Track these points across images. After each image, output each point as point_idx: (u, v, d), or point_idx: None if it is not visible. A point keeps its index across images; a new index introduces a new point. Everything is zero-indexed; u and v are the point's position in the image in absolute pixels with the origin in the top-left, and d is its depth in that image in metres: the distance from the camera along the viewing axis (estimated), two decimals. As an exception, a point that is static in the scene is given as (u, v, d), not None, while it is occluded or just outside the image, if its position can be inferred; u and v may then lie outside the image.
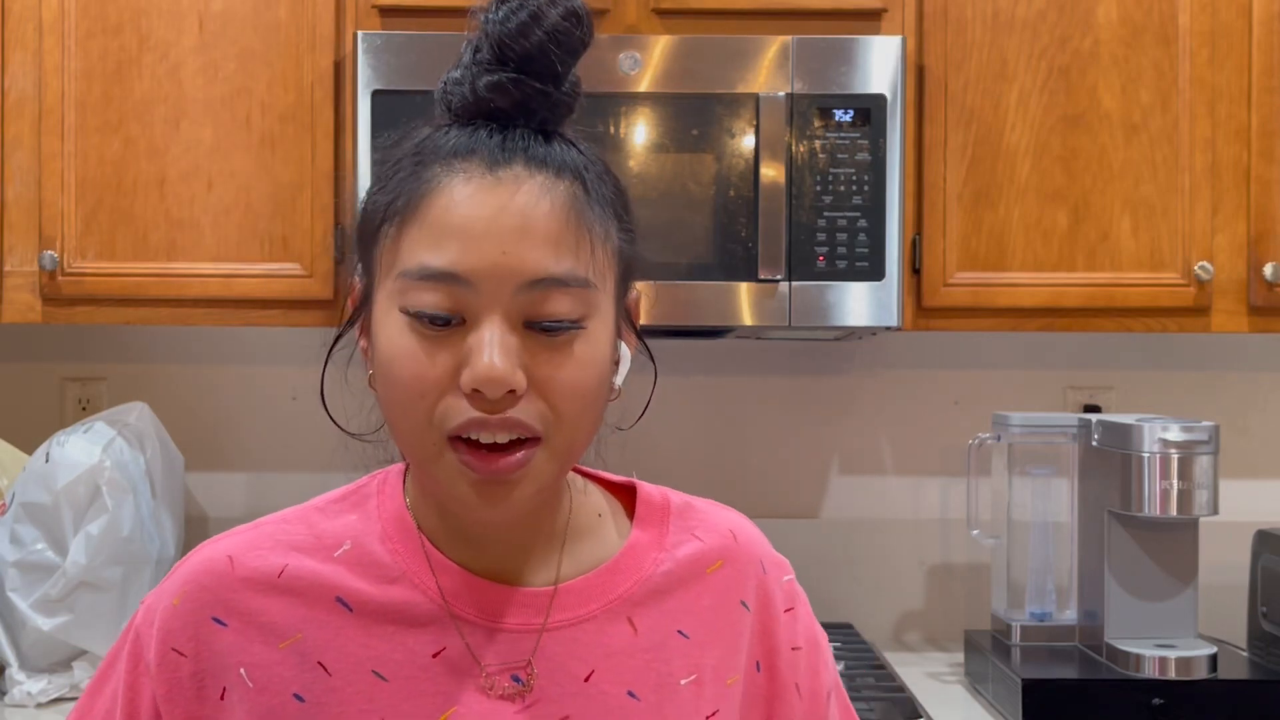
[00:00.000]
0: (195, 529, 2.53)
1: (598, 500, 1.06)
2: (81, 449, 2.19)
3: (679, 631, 1.01)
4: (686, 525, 1.05)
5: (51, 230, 2.24)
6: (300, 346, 2.57)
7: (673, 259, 2.18)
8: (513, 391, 0.89)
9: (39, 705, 2.12)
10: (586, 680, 0.97)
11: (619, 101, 2.18)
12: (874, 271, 2.19)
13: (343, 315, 1.02)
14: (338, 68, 2.25)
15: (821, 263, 2.18)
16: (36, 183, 2.24)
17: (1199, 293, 2.27)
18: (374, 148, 2.16)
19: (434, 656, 0.95)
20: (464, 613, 0.97)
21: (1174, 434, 2.11)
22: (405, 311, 0.91)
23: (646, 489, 1.07)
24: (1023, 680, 2.07)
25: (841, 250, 2.18)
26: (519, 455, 0.90)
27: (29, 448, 2.31)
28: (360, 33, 2.19)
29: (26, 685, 2.12)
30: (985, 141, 2.27)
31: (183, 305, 2.25)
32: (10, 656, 2.15)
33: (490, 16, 0.93)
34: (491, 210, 0.90)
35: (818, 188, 2.18)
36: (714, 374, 2.63)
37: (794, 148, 2.18)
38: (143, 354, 2.61)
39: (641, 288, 1.03)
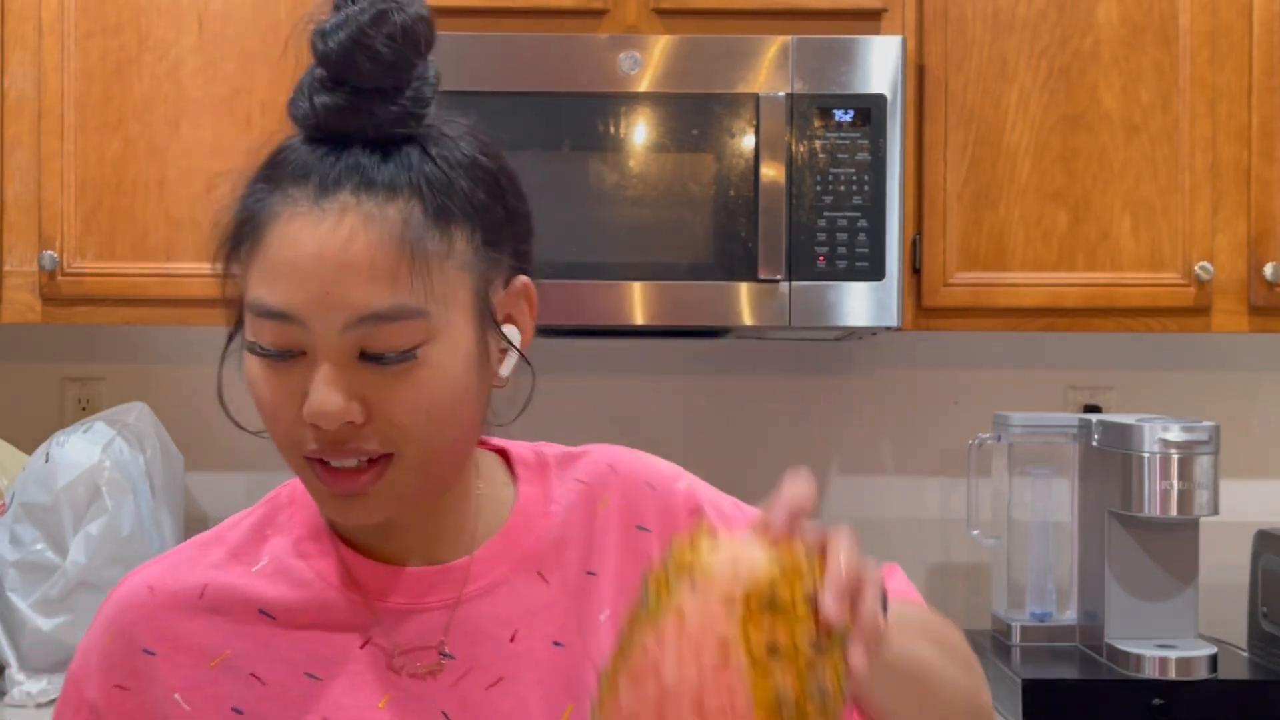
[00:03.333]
0: (195, 529, 2.53)
1: (497, 467, 1.07)
2: (81, 449, 2.19)
3: (587, 572, 1.02)
4: (567, 473, 1.06)
5: (51, 230, 2.23)
6: (300, 346, 2.57)
7: (673, 259, 2.18)
8: (352, 422, 0.90)
9: (39, 705, 2.12)
10: (512, 640, 0.99)
11: (619, 101, 2.18)
12: (874, 271, 2.19)
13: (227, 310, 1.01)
14: (338, 68, 2.25)
15: (821, 263, 2.18)
16: (36, 183, 2.24)
17: (1199, 293, 2.27)
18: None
19: (361, 649, 0.97)
20: (383, 601, 0.99)
21: (1174, 434, 2.11)
22: (248, 345, 0.93)
23: (517, 450, 1.08)
24: (1023, 680, 2.07)
25: (841, 250, 2.18)
26: (367, 476, 0.92)
27: (29, 448, 2.31)
28: (360, 33, 2.18)
29: (26, 685, 2.12)
30: (985, 141, 2.27)
31: (183, 305, 2.25)
32: (10, 656, 2.15)
33: (315, 33, 0.95)
34: (314, 247, 0.89)
35: (818, 188, 2.18)
36: (714, 374, 2.62)
37: (794, 148, 2.18)
38: (143, 354, 2.61)
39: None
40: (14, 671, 2.15)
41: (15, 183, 2.24)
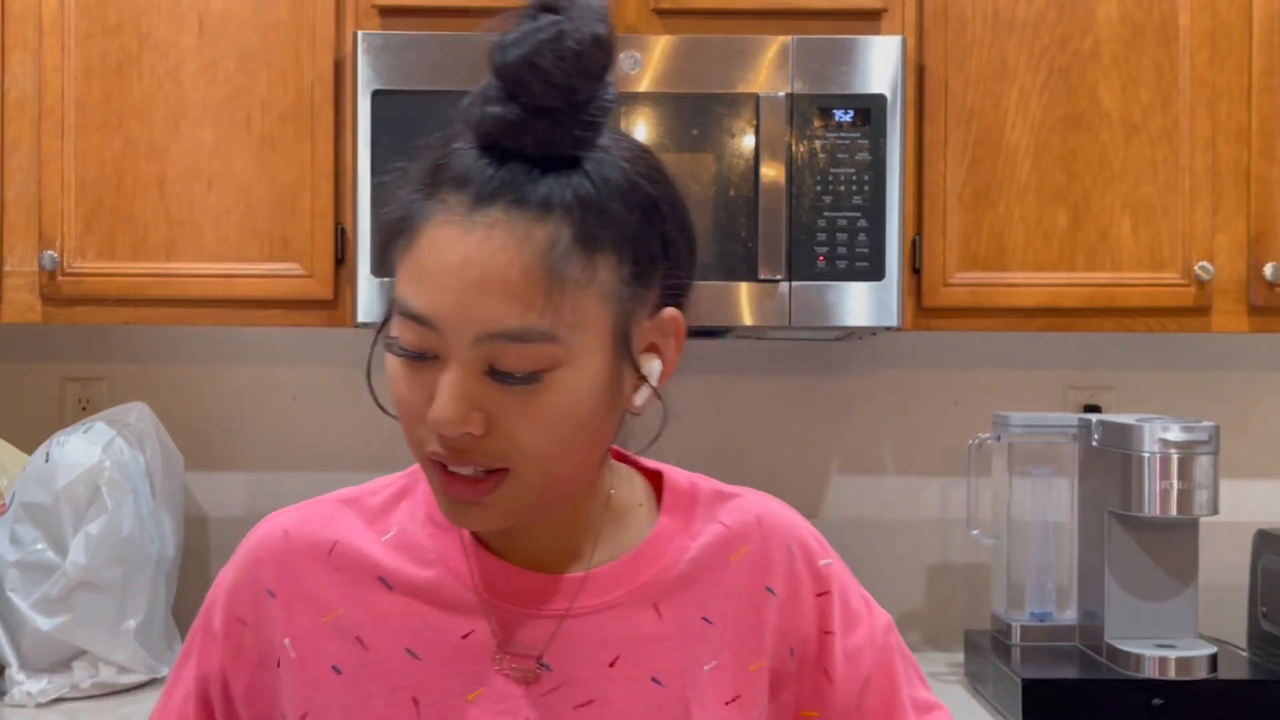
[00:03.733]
0: (195, 529, 2.53)
1: (639, 489, 1.08)
2: (81, 449, 2.19)
3: (704, 618, 1.02)
4: (713, 513, 1.06)
5: (51, 230, 2.23)
6: (300, 346, 2.57)
7: (673, 259, 2.18)
8: (471, 433, 0.91)
9: (39, 705, 2.12)
10: (611, 665, 0.99)
11: (619, 101, 2.18)
12: (874, 271, 2.19)
13: (356, 317, 1.05)
14: (338, 68, 2.25)
15: (821, 263, 2.18)
16: (36, 183, 2.24)
17: (1199, 293, 2.27)
18: (374, 148, 2.16)
19: (463, 638, 0.99)
20: (494, 597, 1.00)
21: (1174, 434, 2.11)
22: (387, 342, 0.94)
23: (673, 477, 1.08)
24: (1023, 680, 2.07)
25: (841, 250, 2.18)
26: (482, 487, 0.93)
27: (29, 448, 2.31)
28: (360, 33, 2.19)
29: (26, 685, 2.12)
30: (985, 141, 2.27)
31: (183, 305, 2.25)
32: (10, 656, 2.15)
33: (494, 44, 0.93)
34: (459, 259, 0.90)
35: (818, 188, 2.18)
36: (714, 374, 2.62)
37: (794, 148, 2.18)
38: (143, 354, 2.61)
39: (676, 346, 1.02)
40: (14, 671, 2.15)
41: (15, 183, 2.24)
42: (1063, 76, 2.27)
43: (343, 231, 2.24)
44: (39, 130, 2.23)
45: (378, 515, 1.05)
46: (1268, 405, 2.66)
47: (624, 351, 0.95)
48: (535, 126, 0.91)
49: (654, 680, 0.99)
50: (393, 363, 0.94)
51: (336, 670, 0.99)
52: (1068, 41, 2.27)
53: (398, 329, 0.93)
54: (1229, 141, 2.27)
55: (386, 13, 2.25)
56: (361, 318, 2.17)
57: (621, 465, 1.08)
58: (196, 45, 2.25)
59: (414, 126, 2.17)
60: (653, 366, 0.98)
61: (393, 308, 0.95)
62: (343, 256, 2.24)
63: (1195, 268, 2.25)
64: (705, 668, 1.01)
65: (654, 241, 0.95)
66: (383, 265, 0.97)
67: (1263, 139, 2.27)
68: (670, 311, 0.98)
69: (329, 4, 2.25)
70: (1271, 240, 2.27)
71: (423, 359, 0.92)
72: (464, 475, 0.93)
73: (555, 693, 0.98)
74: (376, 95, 2.17)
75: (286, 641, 1.01)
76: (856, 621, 1.08)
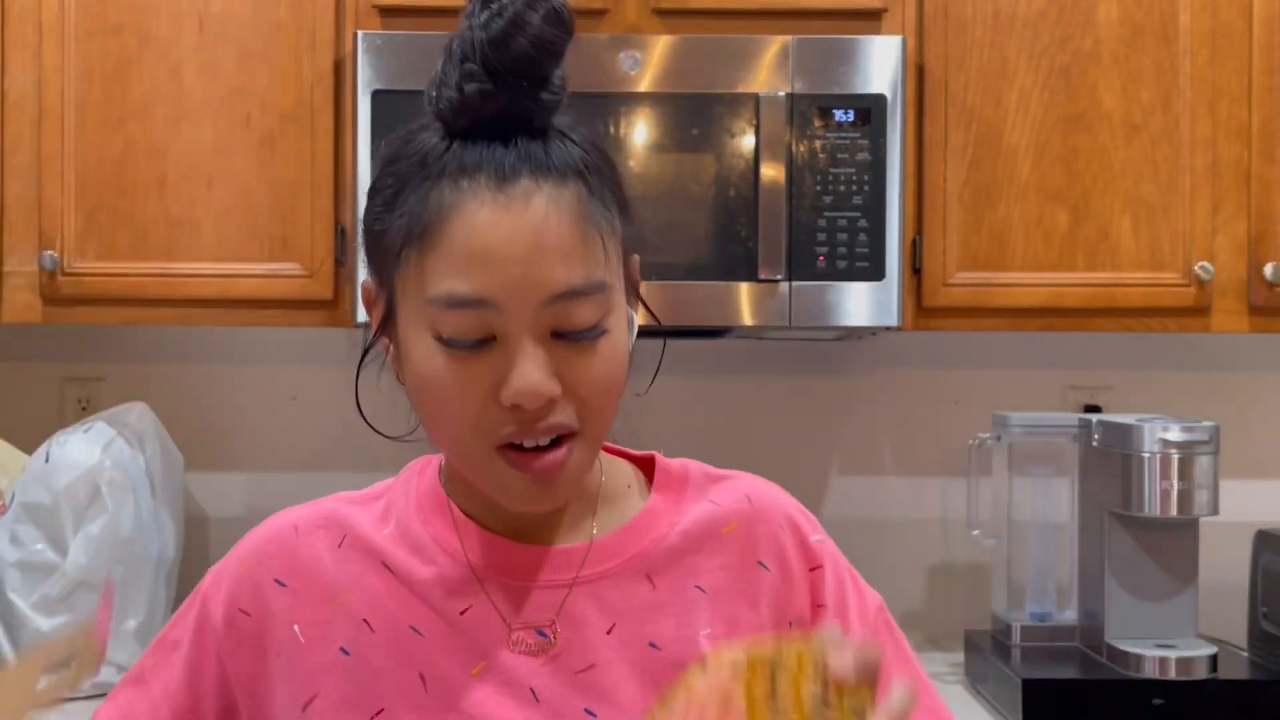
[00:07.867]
0: (195, 529, 2.53)
1: (625, 473, 1.10)
2: (81, 449, 2.19)
3: (697, 587, 1.04)
4: (704, 493, 1.09)
5: (51, 230, 2.23)
6: (300, 346, 2.57)
7: (673, 259, 2.18)
8: (551, 400, 0.93)
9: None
10: (609, 633, 1.01)
11: (619, 101, 2.18)
12: (874, 271, 2.19)
13: (356, 317, 1.06)
14: (338, 68, 2.25)
15: (821, 263, 2.18)
16: (36, 183, 2.24)
17: (1199, 293, 2.27)
18: (374, 148, 2.16)
19: (461, 614, 1.01)
20: (490, 575, 1.02)
21: (1174, 434, 2.11)
22: (439, 338, 0.94)
23: (665, 460, 1.12)
24: (1023, 680, 2.07)
25: (841, 250, 2.18)
26: (561, 451, 0.95)
27: (29, 448, 2.31)
28: (360, 32, 2.19)
29: (26, 685, 2.12)
30: (985, 141, 2.27)
31: (183, 305, 2.25)
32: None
33: (473, 22, 0.95)
34: (507, 232, 0.92)
35: (818, 188, 2.18)
36: (714, 374, 2.62)
37: (794, 148, 2.18)
38: (143, 354, 2.61)
39: (642, 287, 1.05)
40: (14, 671, 2.15)
41: (15, 183, 2.24)
42: (1063, 76, 2.27)
43: (342, 231, 2.24)
44: (39, 130, 2.23)
45: (380, 513, 1.07)
46: (1268, 405, 2.66)
47: (632, 295, 1.02)
48: (518, 95, 0.94)
49: (651, 645, 1.01)
50: (437, 363, 0.94)
51: (345, 651, 1.01)
52: (1068, 41, 2.27)
53: (440, 324, 0.93)
54: (1229, 141, 2.27)
55: (386, 13, 2.25)
56: (361, 318, 2.16)
57: (606, 454, 1.10)
58: (196, 45, 2.25)
59: (414, 126, 2.17)
60: (630, 315, 1.02)
61: (386, 319, 0.97)
62: (342, 256, 2.24)
63: (1195, 268, 2.25)
64: (702, 633, 1.03)
65: (624, 193, 1.01)
66: (380, 277, 0.98)
67: (1263, 139, 2.27)
68: (635, 257, 1.03)
69: (329, 4, 2.25)
70: (1272, 240, 2.27)
71: (479, 347, 0.93)
72: (542, 449, 0.95)
73: (557, 660, 1.00)
74: (376, 95, 2.17)
75: (296, 628, 1.03)
76: (846, 598, 1.10)
